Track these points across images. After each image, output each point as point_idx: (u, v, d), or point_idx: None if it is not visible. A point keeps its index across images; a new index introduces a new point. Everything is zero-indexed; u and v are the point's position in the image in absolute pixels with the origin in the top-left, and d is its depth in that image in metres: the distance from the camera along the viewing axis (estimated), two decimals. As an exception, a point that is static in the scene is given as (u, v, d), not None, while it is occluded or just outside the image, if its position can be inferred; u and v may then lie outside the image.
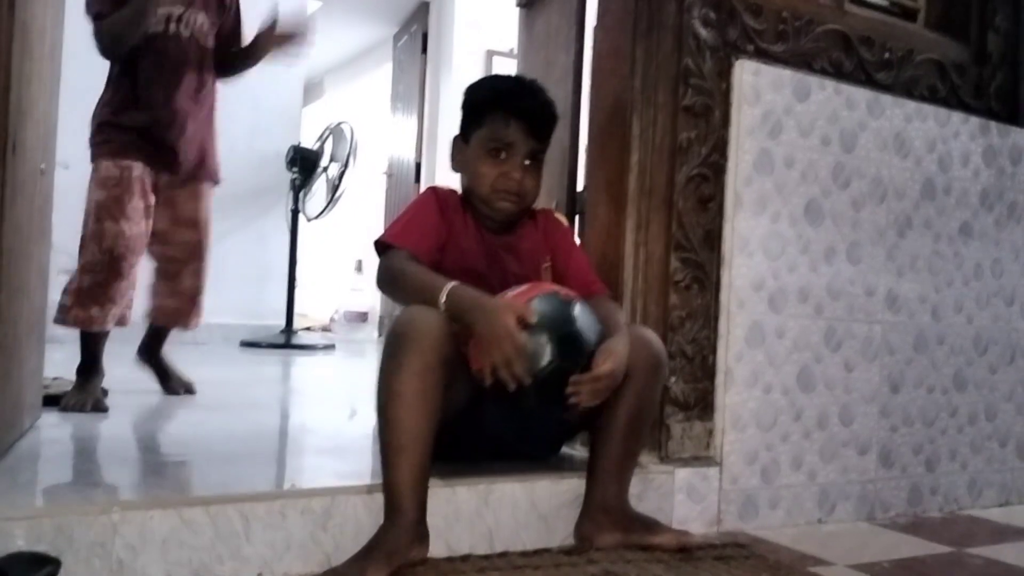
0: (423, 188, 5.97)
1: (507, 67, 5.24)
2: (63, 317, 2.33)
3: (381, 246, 1.62)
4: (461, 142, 1.73)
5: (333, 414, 2.69)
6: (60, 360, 2.46)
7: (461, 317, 1.46)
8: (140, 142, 2.40)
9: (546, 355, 1.46)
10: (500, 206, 1.67)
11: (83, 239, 2.34)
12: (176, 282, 2.58)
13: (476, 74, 5.71)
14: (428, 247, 1.62)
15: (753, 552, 1.66)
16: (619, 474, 1.63)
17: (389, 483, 1.42)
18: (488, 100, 1.69)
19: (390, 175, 6.52)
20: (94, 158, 2.39)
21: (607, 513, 1.61)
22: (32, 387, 1.85)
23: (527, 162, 1.66)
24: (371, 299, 6.82)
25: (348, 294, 7.40)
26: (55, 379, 2.43)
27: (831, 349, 2.04)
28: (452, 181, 1.78)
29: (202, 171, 2.58)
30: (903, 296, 2.16)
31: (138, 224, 2.38)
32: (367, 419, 2.72)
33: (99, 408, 2.25)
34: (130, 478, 1.47)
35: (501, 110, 1.66)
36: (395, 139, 6.47)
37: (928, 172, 2.20)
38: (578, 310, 1.53)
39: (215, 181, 2.65)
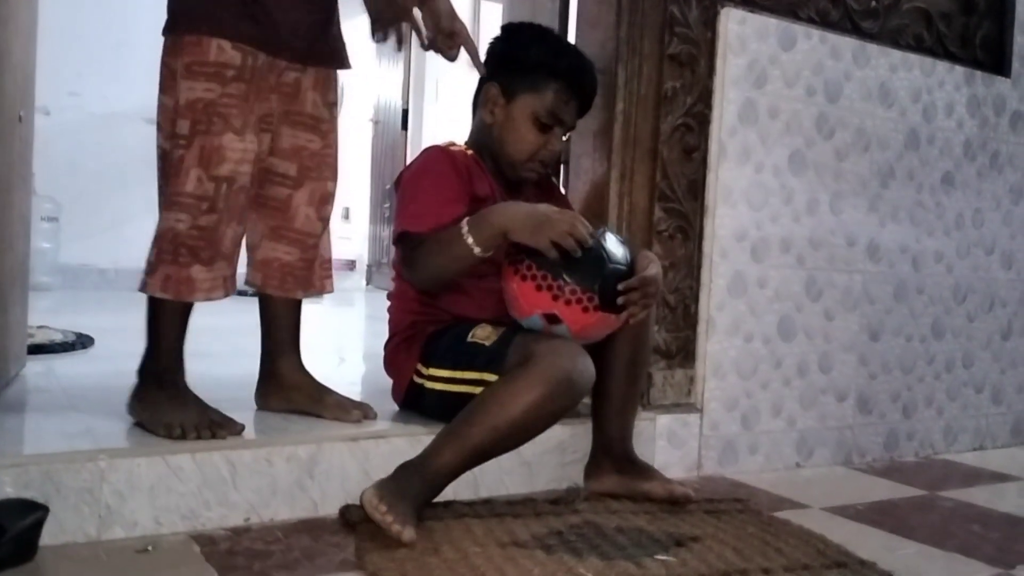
0: (410, 135, 5.96)
1: (494, 13, 5.15)
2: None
3: (403, 236, 1.54)
4: (499, 94, 1.64)
5: (320, 362, 2.69)
6: (45, 308, 2.46)
7: (495, 231, 1.43)
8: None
9: (604, 262, 1.48)
10: (527, 174, 1.67)
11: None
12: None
13: (463, 19, 5.62)
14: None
15: (749, 507, 1.64)
16: (620, 416, 1.65)
17: (445, 465, 1.39)
18: (549, 68, 1.62)
19: (376, 122, 6.46)
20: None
21: (608, 454, 1.64)
22: (17, 336, 1.85)
23: (564, 136, 1.68)
24: (359, 247, 6.80)
25: (336, 242, 7.36)
26: (40, 327, 2.44)
27: (812, 298, 2.06)
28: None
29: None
30: (884, 246, 2.17)
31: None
32: (354, 367, 2.74)
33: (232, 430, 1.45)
34: (117, 425, 1.48)
35: (563, 84, 1.62)
36: (381, 85, 6.39)
37: (912, 122, 2.21)
38: (609, 227, 1.59)
39: None
